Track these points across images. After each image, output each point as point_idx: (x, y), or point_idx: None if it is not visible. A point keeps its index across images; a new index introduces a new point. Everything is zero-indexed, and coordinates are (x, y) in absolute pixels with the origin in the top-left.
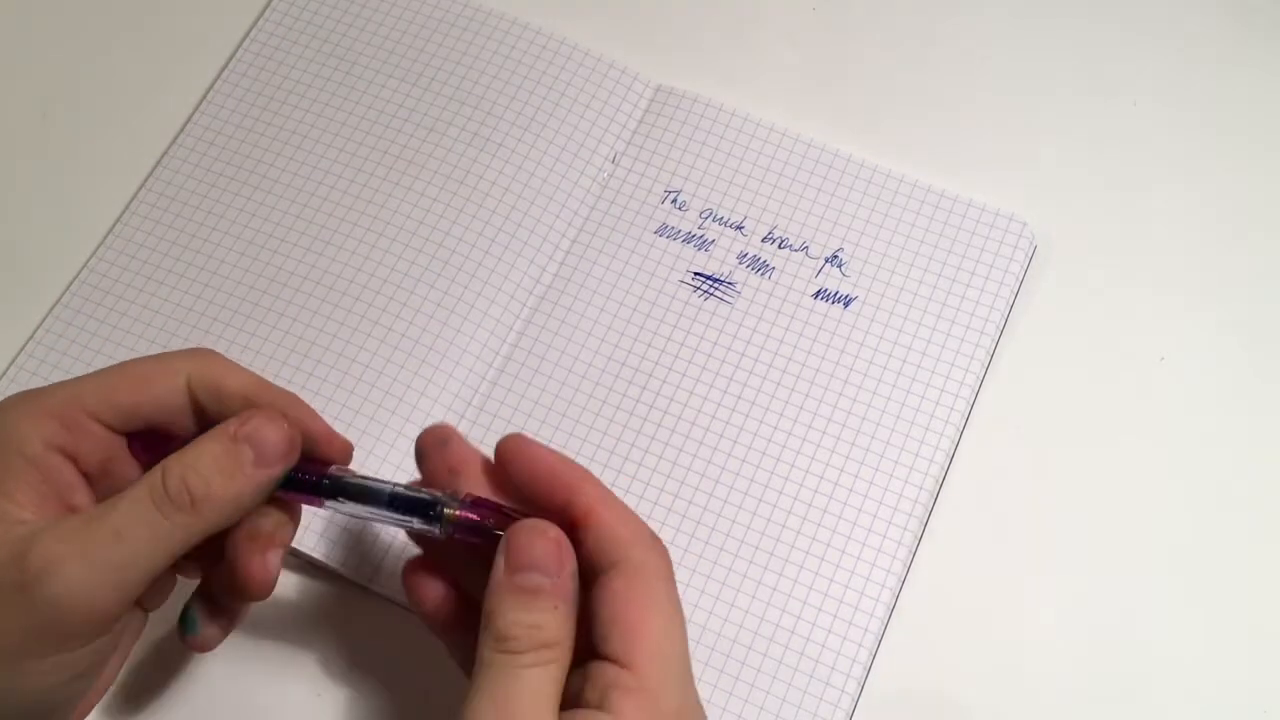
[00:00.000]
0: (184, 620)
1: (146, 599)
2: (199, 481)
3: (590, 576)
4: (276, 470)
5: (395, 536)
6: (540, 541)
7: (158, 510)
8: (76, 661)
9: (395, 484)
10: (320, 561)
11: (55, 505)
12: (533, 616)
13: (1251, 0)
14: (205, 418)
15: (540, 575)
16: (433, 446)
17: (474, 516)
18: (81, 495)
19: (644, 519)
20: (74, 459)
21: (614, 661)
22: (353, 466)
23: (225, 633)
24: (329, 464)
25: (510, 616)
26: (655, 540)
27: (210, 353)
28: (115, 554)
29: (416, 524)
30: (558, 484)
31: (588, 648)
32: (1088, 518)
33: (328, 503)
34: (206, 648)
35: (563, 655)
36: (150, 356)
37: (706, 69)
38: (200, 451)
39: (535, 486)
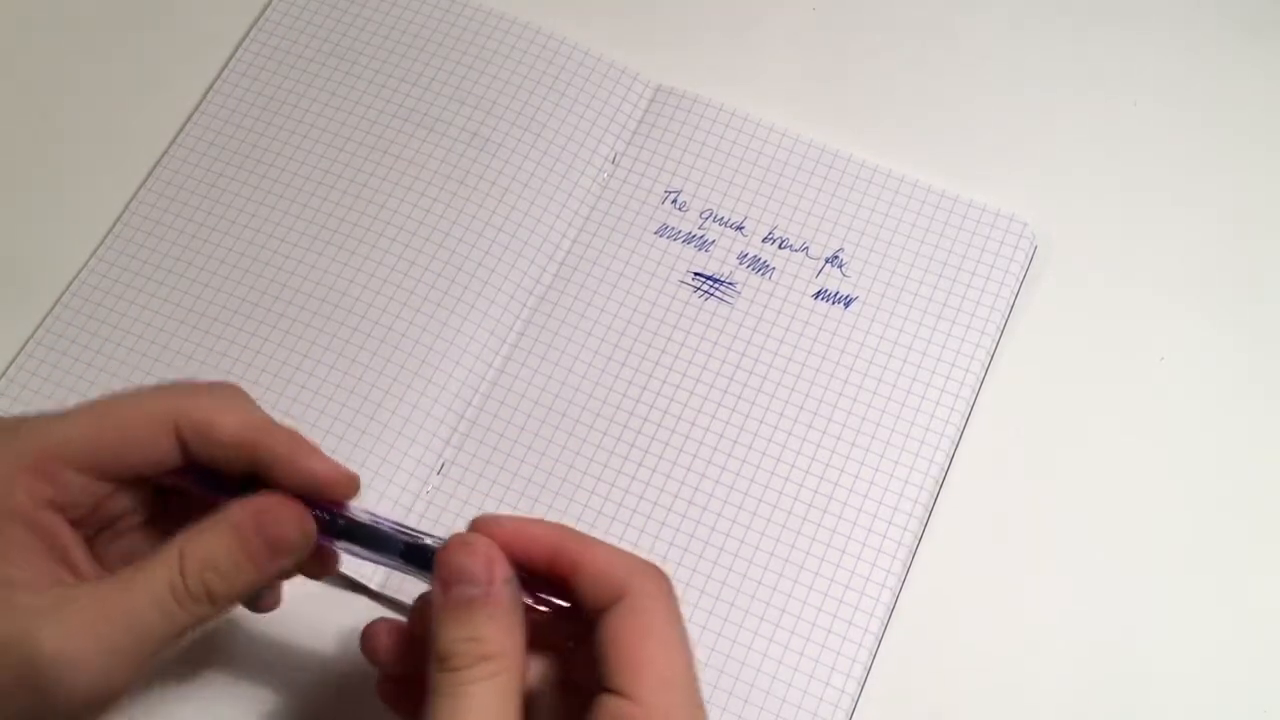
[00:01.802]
0: None
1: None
2: (218, 580)
3: (594, 619)
4: (293, 559)
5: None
6: (464, 553)
7: (177, 604)
8: None
9: (407, 530)
10: None
11: (53, 566)
12: (469, 629)
13: (1251, 0)
14: (200, 456)
15: (470, 585)
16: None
17: None
18: (77, 551)
19: (644, 518)
20: (62, 511)
21: (619, 694)
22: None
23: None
24: (337, 503)
25: (448, 635)
26: (649, 567)
27: (197, 390)
28: (130, 642)
29: (422, 574)
30: (535, 549)
31: (597, 683)
32: (1087, 518)
33: (337, 544)
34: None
35: (511, 666)
36: (132, 397)
37: (706, 69)
38: (216, 546)
39: (515, 559)
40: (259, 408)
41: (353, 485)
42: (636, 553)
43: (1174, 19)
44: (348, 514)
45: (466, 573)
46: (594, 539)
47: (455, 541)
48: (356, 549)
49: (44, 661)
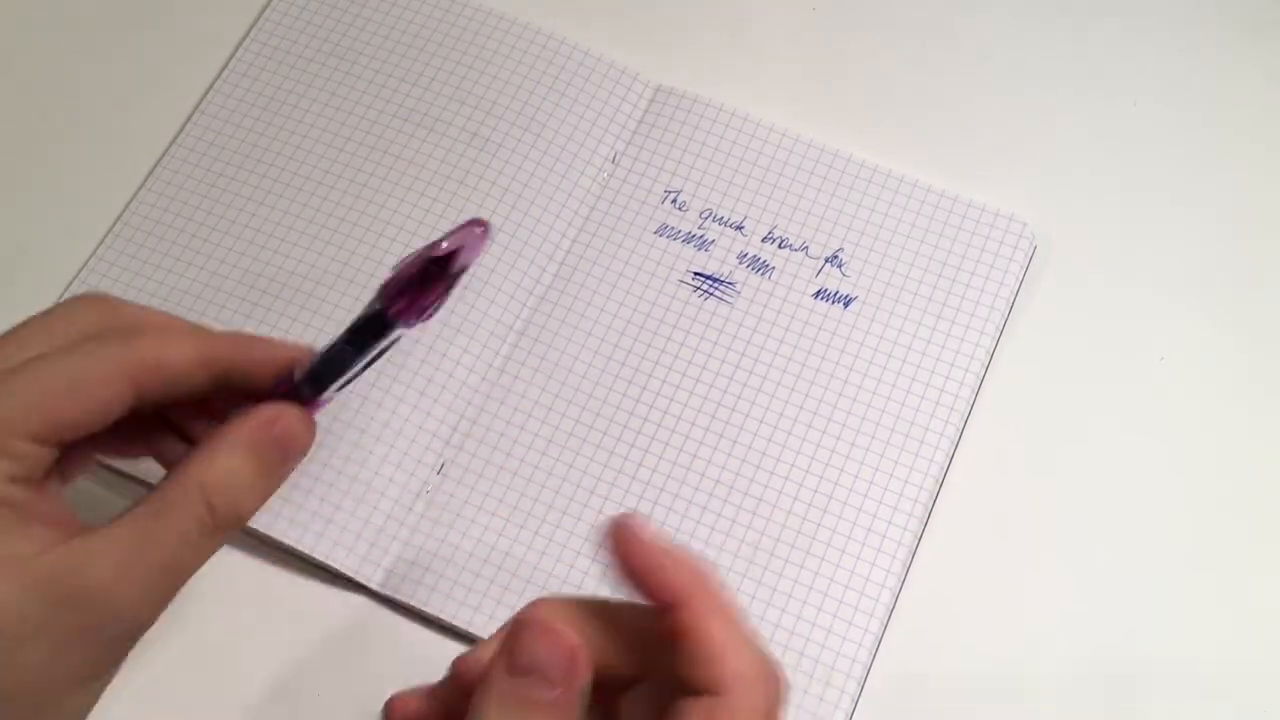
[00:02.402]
0: None
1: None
2: (245, 500)
3: (675, 688)
4: (300, 459)
5: (395, 537)
6: (545, 643)
7: (208, 538)
8: (113, 674)
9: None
10: (320, 562)
11: (43, 531)
12: None
13: (1251, 1)
14: (154, 398)
15: (543, 686)
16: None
17: (400, 288)
18: (64, 504)
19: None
20: (23, 480)
21: None
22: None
23: None
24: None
25: None
26: (763, 675)
27: (127, 334)
28: (167, 580)
29: (386, 340)
30: (664, 588)
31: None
32: (1087, 518)
33: (321, 399)
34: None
35: None
36: (72, 358)
37: (706, 69)
38: (236, 469)
39: (640, 581)
40: (173, 317)
41: (304, 350)
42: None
43: (1174, 19)
44: (308, 368)
45: (541, 666)
46: (730, 611)
47: (538, 623)
48: (338, 382)
49: (96, 610)
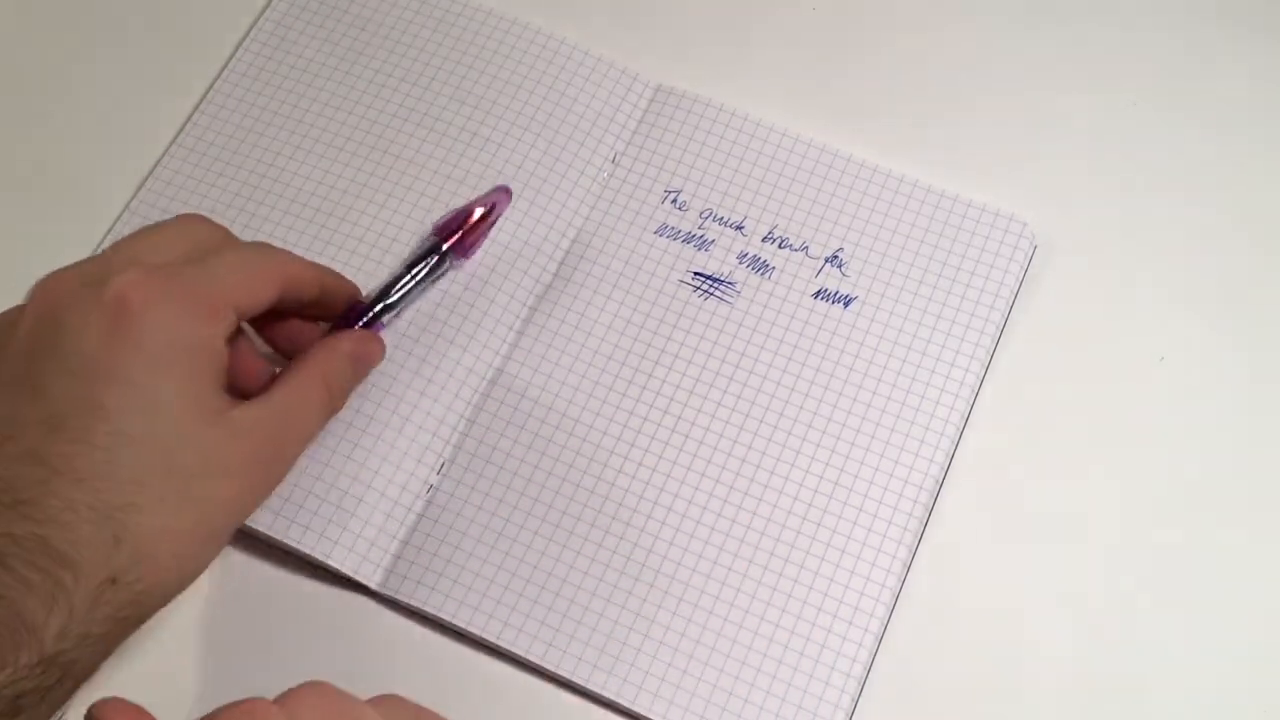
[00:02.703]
0: None
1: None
2: (348, 390)
3: None
4: (374, 367)
5: (395, 537)
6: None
7: (326, 413)
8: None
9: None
10: (320, 562)
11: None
12: None
13: (1251, 1)
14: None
15: None
16: None
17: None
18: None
19: (644, 518)
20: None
21: None
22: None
23: None
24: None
25: None
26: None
27: (282, 255)
28: (304, 447)
29: (439, 271)
30: None
31: None
32: (1087, 518)
33: (382, 323)
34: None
35: None
36: (248, 252)
37: (706, 69)
38: (342, 370)
39: None
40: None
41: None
42: (636, 552)
43: (1174, 19)
44: (375, 292)
45: None
46: None
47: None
48: (397, 307)
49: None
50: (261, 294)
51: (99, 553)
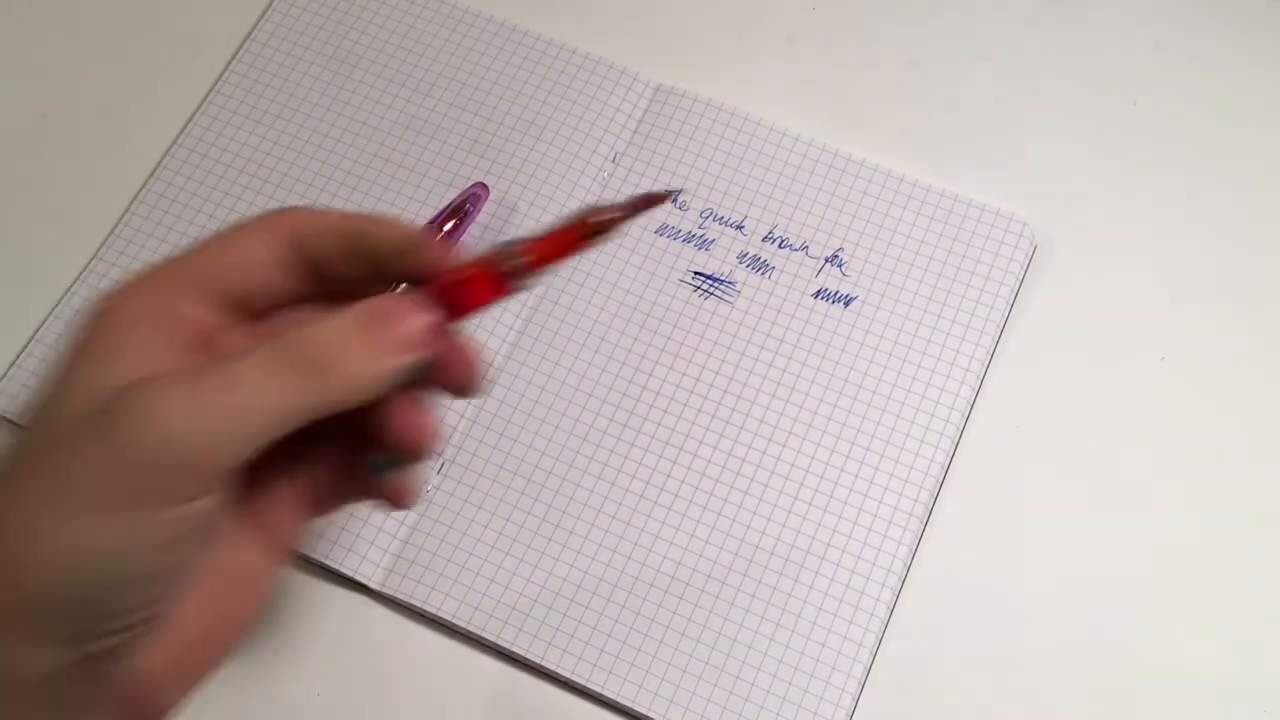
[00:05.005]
0: (372, 467)
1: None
2: (325, 348)
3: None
4: (411, 359)
5: (395, 537)
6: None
7: (288, 369)
8: (162, 526)
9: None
10: (320, 562)
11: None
12: None
13: (1251, 1)
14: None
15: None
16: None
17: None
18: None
19: (645, 518)
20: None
21: None
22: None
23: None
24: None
25: None
26: None
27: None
28: (229, 398)
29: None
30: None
31: None
32: (1087, 518)
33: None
34: (403, 499)
35: None
36: (269, 214)
37: (706, 69)
38: (332, 324)
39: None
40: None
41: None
42: (637, 551)
43: (1174, 19)
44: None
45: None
46: None
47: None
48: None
49: (126, 414)
50: (252, 254)
51: None
